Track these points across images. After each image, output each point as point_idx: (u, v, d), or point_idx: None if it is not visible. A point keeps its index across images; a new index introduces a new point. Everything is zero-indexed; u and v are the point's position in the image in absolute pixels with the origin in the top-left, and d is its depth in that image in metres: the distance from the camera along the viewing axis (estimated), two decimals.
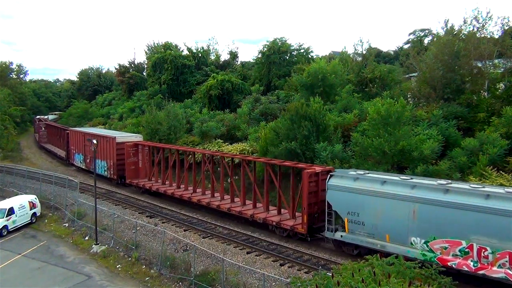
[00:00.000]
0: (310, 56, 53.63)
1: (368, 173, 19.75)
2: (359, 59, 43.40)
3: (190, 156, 31.12)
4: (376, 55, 54.40)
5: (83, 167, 42.97)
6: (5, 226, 27.08)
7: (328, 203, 19.84)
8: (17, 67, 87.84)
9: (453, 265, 15.80)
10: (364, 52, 43.51)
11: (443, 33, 32.21)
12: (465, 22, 30.67)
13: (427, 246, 16.55)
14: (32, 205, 29.66)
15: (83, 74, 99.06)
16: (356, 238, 18.79)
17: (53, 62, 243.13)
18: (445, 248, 16.09)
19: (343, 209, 19.29)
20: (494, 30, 30.86)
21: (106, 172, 37.63)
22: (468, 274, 15.68)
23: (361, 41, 44.91)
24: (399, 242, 17.36)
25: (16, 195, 32.15)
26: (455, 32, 31.22)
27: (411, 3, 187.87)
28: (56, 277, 20.75)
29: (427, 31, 57.26)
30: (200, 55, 66.74)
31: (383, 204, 17.77)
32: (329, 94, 35.80)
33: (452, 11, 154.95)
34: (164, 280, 19.85)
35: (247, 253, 20.95)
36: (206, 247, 21.36)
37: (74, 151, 45.30)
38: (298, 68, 43.75)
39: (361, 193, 18.47)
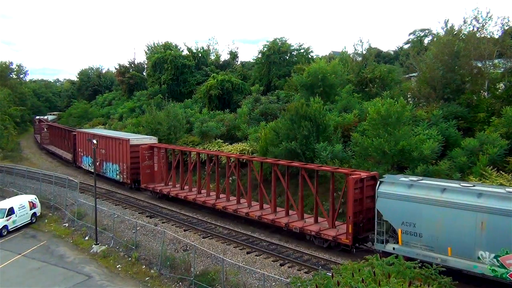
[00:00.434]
0: (310, 56, 53.66)
1: (422, 180, 18.08)
2: (359, 59, 43.39)
3: (213, 159, 28.72)
4: (376, 55, 54.40)
5: (92, 171, 41.37)
6: (5, 226, 27.08)
7: (378, 212, 18.16)
8: (17, 67, 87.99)
9: None
10: (364, 52, 43.51)
11: (443, 33, 32.23)
12: (465, 22, 30.71)
13: (498, 261, 14.98)
14: (32, 205, 29.66)
15: (83, 74, 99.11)
16: (411, 251, 17.01)
17: (52, 62, 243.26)
18: None
19: (397, 219, 17.56)
20: (494, 30, 30.90)
21: (118, 176, 35.82)
22: None
23: (361, 41, 44.88)
24: (464, 256, 15.76)
25: (16, 195, 32.15)
26: (455, 32, 31.22)
27: (411, 3, 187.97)
28: (56, 277, 20.75)
29: (427, 31, 57.33)
30: (200, 55, 66.78)
31: (444, 214, 16.14)
32: (329, 94, 35.80)
33: (452, 11, 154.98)
34: (164, 280, 19.86)
35: (247, 253, 20.95)
36: (206, 247, 21.36)
37: (82, 154, 43.18)
38: (298, 68, 43.75)
39: (418, 202, 16.77)
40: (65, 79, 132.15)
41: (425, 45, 47.78)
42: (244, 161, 28.08)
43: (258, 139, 32.22)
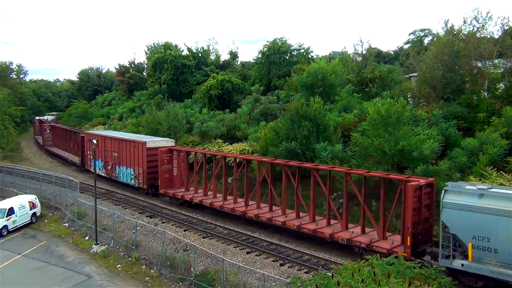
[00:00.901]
0: (310, 56, 53.65)
1: (492, 188, 16.42)
2: (359, 59, 43.40)
3: (243, 163, 26.58)
4: (376, 55, 54.41)
5: (103, 175, 38.67)
6: (5, 226, 27.09)
7: (443, 224, 16.59)
8: (17, 67, 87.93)
9: None
10: (364, 52, 43.52)
11: (443, 33, 32.23)
12: (465, 22, 30.70)
13: None
14: (32, 205, 29.67)
15: (83, 74, 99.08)
16: (484, 268, 15.40)
17: (53, 62, 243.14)
18: None
19: (466, 233, 15.87)
20: (494, 30, 30.92)
21: (133, 181, 33.85)
22: None
23: (361, 41, 44.94)
24: None
25: (16, 195, 32.16)
26: (455, 32, 31.22)
27: (411, 3, 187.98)
28: (56, 277, 20.76)
29: (427, 31, 57.33)
30: (200, 55, 66.79)
31: None
32: (329, 94, 35.79)
33: (452, 11, 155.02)
34: (164, 280, 19.86)
35: (247, 253, 20.95)
36: (206, 247, 21.36)
37: (90, 157, 40.24)
38: (298, 68, 43.75)
39: (493, 213, 15.14)
40: (65, 79, 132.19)
41: (425, 45, 47.77)
42: (277, 166, 25.74)
43: (258, 139, 32.21)
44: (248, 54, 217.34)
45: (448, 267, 16.13)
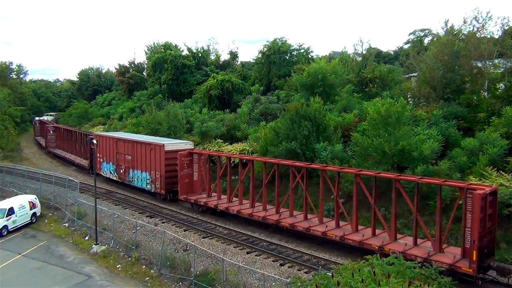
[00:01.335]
0: (310, 56, 53.69)
1: None
2: (359, 59, 43.44)
3: (274, 167, 24.59)
4: (376, 55, 54.44)
5: (115, 179, 36.81)
6: (5, 226, 27.08)
7: None
8: (17, 67, 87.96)
9: None
10: (364, 52, 43.56)
11: (443, 33, 32.26)
12: (465, 22, 30.75)
13: None
14: (32, 205, 29.66)
15: (83, 74, 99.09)
16: None
17: (52, 62, 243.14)
18: None
19: None
20: (494, 30, 30.96)
21: (149, 186, 32.03)
22: None
23: (361, 41, 45.06)
24: None
25: (16, 195, 32.15)
26: (455, 32, 31.26)
27: (411, 3, 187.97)
28: (56, 277, 20.75)
29: (427, 31, 57.34)
30: (200, 55, 66.83)
31: None
32: (329, 94, 35.82)
33: (452, 11, 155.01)
34: (164, 280, 19.86)
35: (247, 253, 20.95)
36: (206, 247, 21.35)
37: (101, 160, 38.55)
38: (298, 68, 43.77)
39: None
40: (65, 79, 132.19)
41: (425, 45, 47.77)
42: (314, 171, 23.74)
43: (258, 139, 32.22)
44: (248, 54, 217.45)
45: None
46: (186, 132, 43.08)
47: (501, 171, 20.60)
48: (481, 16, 29.90)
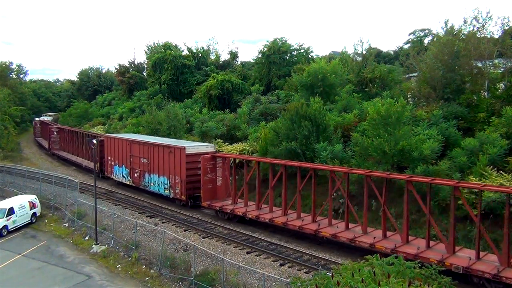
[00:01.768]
0: (310, 56, 53.69)
1: None
2: (359, 59, 43.41)
3: (309, 172, 22.68)
4: (376, 55, 54.39)
5: (128, 183, 34.79)
6: (5, 226, 27.07)
7: None
8: (17, 67, 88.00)
9: None
10: (364, 52, 43.53)
11: (443, 33, 32.22)
12: (465, 22, 30.70)
13: None
14: (32, 205, 29.66)
15: (83, 74, 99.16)
16: None
17: (52, 62, 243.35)
18: None
19: None
20: (494, 30, 30.92)
21: (167, 191, 30.13)
22: None
23: (361, 41, 44.99)
24: None
25: (16, 195, 32.15)
26: (455, 32, 31.23)
27: (411, 3, 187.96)
28: (56, 277, 20.75)
29: (427, 31, 57.35)
30: (200, 55, 66.86)
31: None
32: (329, 94, 35.81)
33: (452, 11, 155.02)
34: (164, 280, 19.86)
35: (247, 253, 20.95)
36: (206, 247, 21.36)
37: (112, 163, 36.77)
38: (298, 68, 43.76)
39: None
40: (65, 79, 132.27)
41: (425, 45, 47.78)
42: (356, 176, 22.45)
43: (258, 139, 32.22)
44: (248, 54, 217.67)
45: None
46: (186, 132, 43.09)
47: (501, 171, 20.59)
48: (481, 16, 29.90)
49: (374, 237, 19.23)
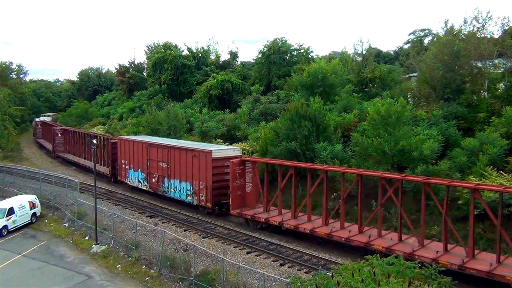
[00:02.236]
0: (310, 56, 53.72)
1: None
2: (359, 59, 43.45)
3: (356, 178, 20.72)
4: (376, 55, 54.49)
5: (144, 188, 32.71)
6: (5, 226, 27.07)
7: None
8: (17, 67, 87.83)
9: None
10: (364, 52, 43.57)
11: (443, 33, 32.22)
12: (465, 22, 30.71)
13: None
14: (32, 205, 29.66)
15: (83, 74, 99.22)
16: None
17: (52, 62, 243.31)
18: None
19: None
20: (494, 30, 30.97)
21: (190, 198, 28.00)
22: None
23: (361, 41, 45.14)
24: None
25: (16, 195, 32.15)
26: (455, 32, 31.23)
27: (411, 3, 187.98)
28: (56, 277, 20.75)
29: (427, 31, 57.39)
30: (200, 55, 66.96)
31: None
32: (329, 94, 35.83)
33: (452, 11, 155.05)
34: (164, 280, 19.86)
35: (247, 253, 20.94)
36: (206, 247, 21.35)
37: (127, 167, 34.61)
38: (298, 68, 43.80)
39: None
40: (65, 79, 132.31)
41: (425, 45, 47.79)
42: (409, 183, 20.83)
43: (258, 139, 32.23)
44: (248, 54, 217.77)
45: None
46: (186, 132, 43.11)
47: (501, 171, 20.59)
48: (481, 16, 29.91)
49: (437, 251, 17.63)
